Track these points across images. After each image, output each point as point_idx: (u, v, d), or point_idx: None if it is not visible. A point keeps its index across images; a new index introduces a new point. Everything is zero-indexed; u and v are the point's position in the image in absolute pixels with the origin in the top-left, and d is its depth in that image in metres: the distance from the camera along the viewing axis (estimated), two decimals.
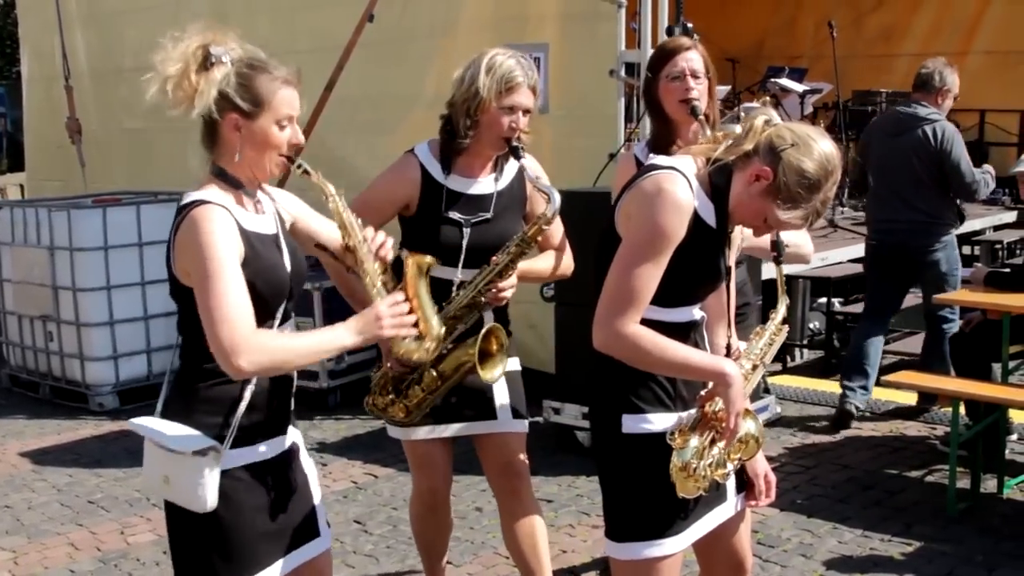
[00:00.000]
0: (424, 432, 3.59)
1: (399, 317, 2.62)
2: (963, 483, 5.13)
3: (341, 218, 2.70)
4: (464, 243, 3.42)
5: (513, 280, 3.43)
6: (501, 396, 3.61)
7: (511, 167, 3.54)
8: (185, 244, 2.51)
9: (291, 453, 2.79)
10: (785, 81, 9.85)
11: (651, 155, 3.35)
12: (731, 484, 2.87)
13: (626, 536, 2.75)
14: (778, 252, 2.90)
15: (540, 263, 3.64)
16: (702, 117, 3.53)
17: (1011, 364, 5.61)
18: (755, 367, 2.88)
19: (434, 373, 3.38)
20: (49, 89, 10.54)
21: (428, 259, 2.87)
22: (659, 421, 2.69)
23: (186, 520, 2.61)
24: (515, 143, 3.39)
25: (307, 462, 2.85)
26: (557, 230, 3.62)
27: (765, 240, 2.88)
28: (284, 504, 2.72)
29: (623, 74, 6.24)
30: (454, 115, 3.43)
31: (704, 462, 2.65)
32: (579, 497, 5.30)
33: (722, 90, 7.42)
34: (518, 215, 3.58)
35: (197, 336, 2.51)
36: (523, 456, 3.69)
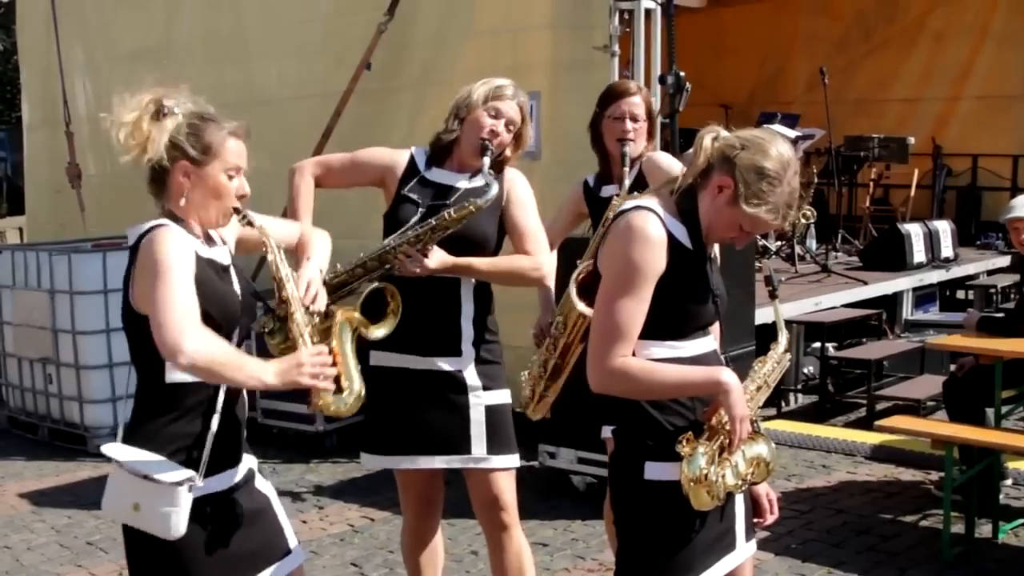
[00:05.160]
0: (404, 463, 3.66)
1: (320, 368, 2.66)
2: (958, 528, 5.15)
3: (278, 272, 2.80)
4: (414, 220, 3.51)
5: (431, 263, 3.44)
6: (478, 430, 3.61)
7: (482, 177, 3.61)
8: (143, 262, 2.60)
9: (245, 481, 2.86)
10: (778, 127, 9.93)
11: (598, 182, 4.01)
12: (740, 532, 2.90)
13: None
14: (772, 287, 2.99)
15: (500, 259, 3.66)
16: (628, 160, 3.94)
17: (1005, 409, 5.63)
18: (759, 388, 2.92)
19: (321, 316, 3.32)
20: (49, 134, 10.62)
21: (357, 316, 2.94)
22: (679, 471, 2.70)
23: (148, 548, 2.67)
24: (487, 143, 3.53)
25: (263, 485, 2.92)
26: (526, 231, 3.65)
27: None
28: (243, 530, 2.79)
29: None
30: (448, 117, 3.66)
31: (717, 469, 2.67)
32: (575, 541, 5.31)
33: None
34: (485, 217, 3.58)
35: (153, 367, 2.64)
36: (509, 490, 3.68)
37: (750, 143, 2.67)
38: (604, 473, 5.40)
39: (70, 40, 10.18)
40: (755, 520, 3.00)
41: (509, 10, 7.12)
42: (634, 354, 2.69)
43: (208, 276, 2.67)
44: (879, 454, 6.58)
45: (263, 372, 2.59)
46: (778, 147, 2.67)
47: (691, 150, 2.88)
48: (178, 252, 2.58)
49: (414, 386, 3.59)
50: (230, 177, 2.71)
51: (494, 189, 3.48)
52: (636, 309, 2.64)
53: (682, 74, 5.79)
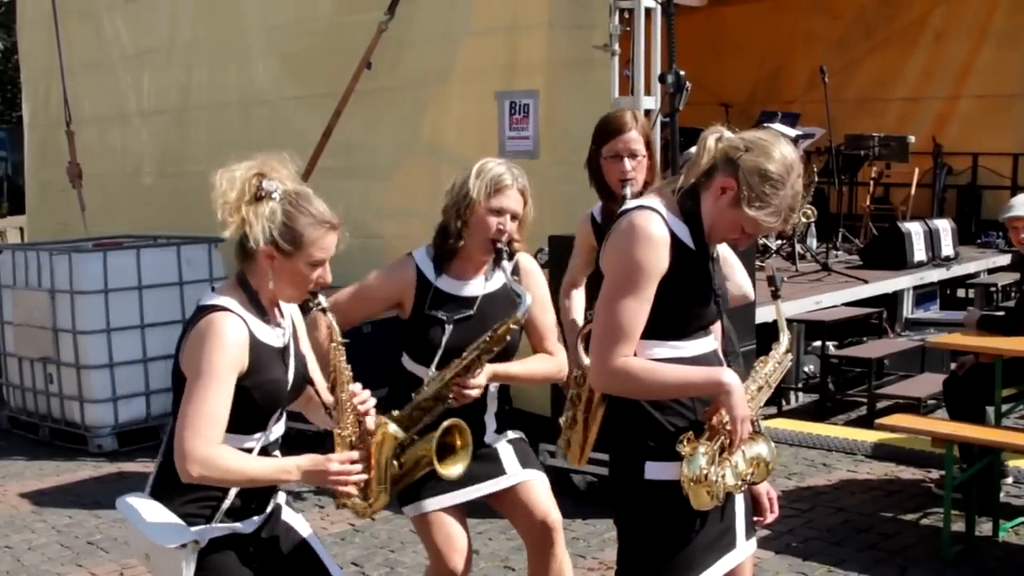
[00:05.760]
0: (443, 501, 3.49)
1: (346, 476, 2.78)
2: (958, 526, 5.15)
3: (338, 364, 2.85)
4: (444, 340, 3.43)
5: (481, 380, 3.40)
6: (507, 454, 3.58)
7: (499, 276, 3.53)
8: (194, 343, 2.66)
9: (270, 518, 2.93)
10: (778, 126, 9.93)
11: (604, 216, 3.71)
12: (740, 531, 2.90)
13: None
14: (775, 287, 3.01)
15: (531, 364, 3.61)
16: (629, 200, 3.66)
17: (1005, 407, 5.63)
18: (760, 388, 2.92)
19: (396, 464, 3.31)
20: (50, 134, 10.64)
21: (401, 434, 2.97)
22: (679, 471, 2.70)
23: None
24: (500, 246, 3.41)
25: (290, 516, 2.99)
26: (545, 330, 3.61)
27: (733, 283, 2.97)
28: (273, 566, 2.87)
29: None
30: (446, 220, 3.48)
31: (717, 469, 2.68)
32: (575, 540, 5.31)
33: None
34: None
35: None
36: (555, 506, 3.61)
37: (754, 145, 2.66)
38: (605, 472, 5.40)
39: (71, 39, 10.19)
40: (755, 519, 3.00)
41: (508, 9, 7.12)
42: (635, 354, 2.69)
43: (260, 363, 2.73)
44: (880, 452, 6.59)
45: (287, 473, 2.75)
46: (782, 150, 2.67)
47: (692, 149, 2.88)
48: (226, 353, 2.65)
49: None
50: (313, 267, 2.76)
51: (527, 300, 3.37)
52: (638, 309, 2.64)
53: (682, 73, 5.78)
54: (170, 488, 2.74)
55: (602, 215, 4.06)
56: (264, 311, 2.78)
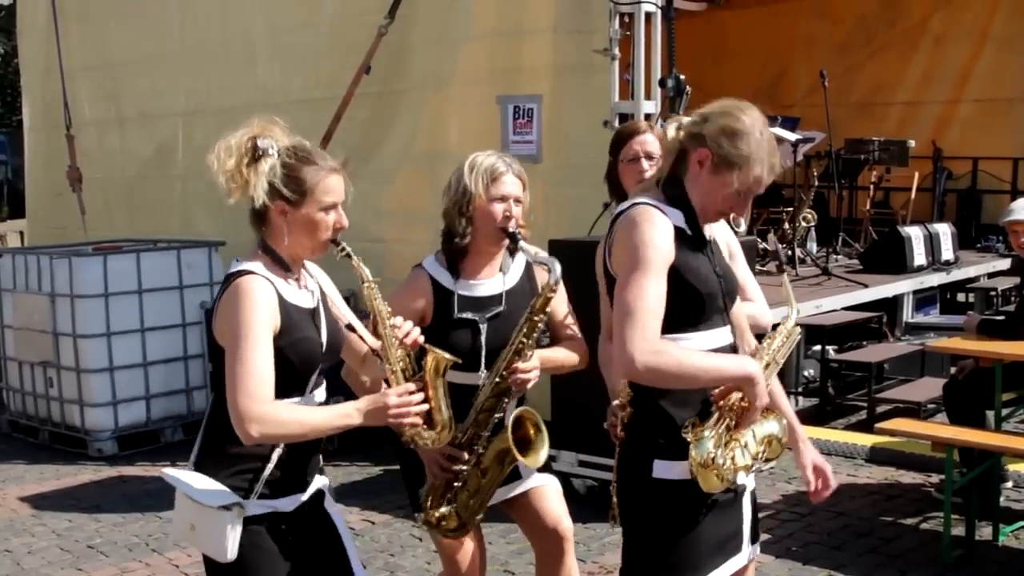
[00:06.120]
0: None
1: (407, 407, 2.75)
2: (958, 531, 5.15)
3: (373, 304, 2.84)
4: (483, 340, 3.43)
5: (535, 363, 3.39)
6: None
7: (517, 266, 3.55)
8: (225, 309, 2.69)
9: (312, 502, 2.91)
10: (778, 130, 9.93)
11: None
12: (746, 535, 2.91)
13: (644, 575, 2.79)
14: (780, 261, 3.00)
15: (558, 352, 3.60)
16: None
17: (1005, 411, 5.63)
18: (768, 365, 2.90)
19: (477, 471, 3.34)
20: (50, 137, 10.64)
21: (448, 357, 2.92)
22: (687, 470, 2.69)
23: (219, 568, 2.76)
24: (512, 230, 3.40)
25: (332, 507, 2.98)
26: (564, 313, 3.59)
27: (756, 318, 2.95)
28: (308, 552, 2.85)
29: (617, 124, 6.33)
30: (449, 221, 3.47)
31: (725, 452, 2.68)
32: (575, 544, 5.30)
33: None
34: (527, 300, 3.49)
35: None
36: (566, 514, 3.59)
37: (711, 114, 2.73)
38: (605, 476, 5.40)
39: (71, 43, 10.19)
40: (812, 494, 3.03)
41: (509, 14, 7.14)
42: None
43: (292, 323, 2.74)
44: (879, 457, 6.59)
45: (349, 417, 2.72)
46: (738, 107, 2.73)
47: None
48: (259, 313, 2.66)
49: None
50: (327, 212, 2.77)
51: (557, 265, 3.34)
52: (655, 289, 2.61)
53: (682, 77, 5.81)
54: (213, 460, 2.76)
55: None
56: (289, 271, 2.80)
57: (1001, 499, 5.50)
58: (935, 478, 6.07)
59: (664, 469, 2.73)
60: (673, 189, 2.78)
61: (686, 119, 2.80)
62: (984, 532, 5.27)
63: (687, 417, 2.71)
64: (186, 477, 2.76)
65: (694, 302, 2.73)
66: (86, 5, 10.20)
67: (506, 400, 3.38)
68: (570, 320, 3.62)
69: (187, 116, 9.31)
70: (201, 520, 2.72)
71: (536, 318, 3.33)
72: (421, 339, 2.89)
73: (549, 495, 3.58)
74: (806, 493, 3.13)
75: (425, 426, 2.85)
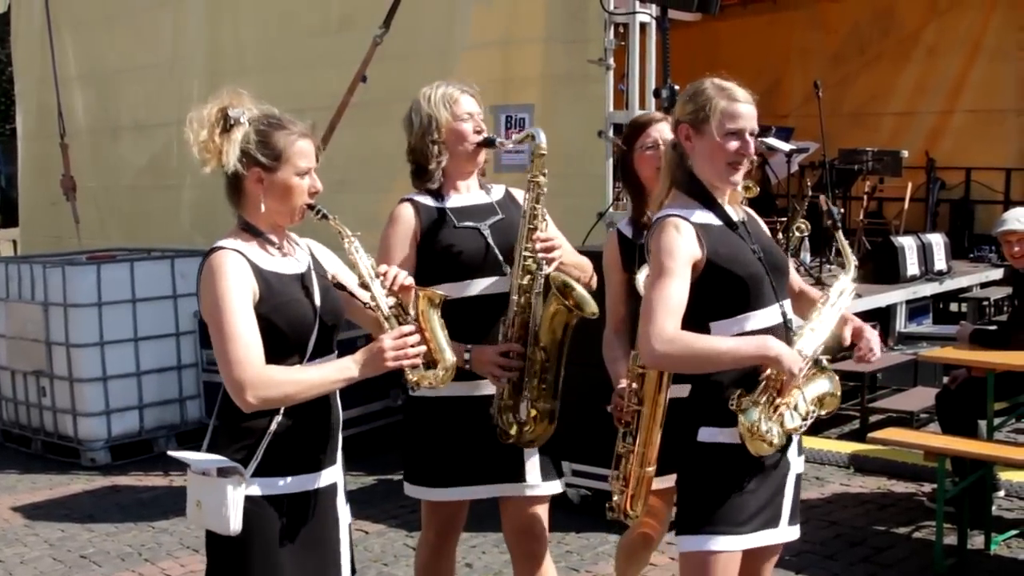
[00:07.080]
0: (452, 494, 3.52)
1: (403, 349, 2.75)
2: (950, 540, 5.17)
3: (355, 260, 2.85)
4: (492, 242, 3.45)
5: (554, 230, 3.43)
6: (532, 457, 3.50)
7: (497, 189, 3.64)
8: (202, 289, 2.73)
9: (322, 493, 2.87)
10: (772, 140, 9.97)
11: (635, 229, 3.68)
12: (786, 513, 3.03)
13: (690, 528, 2.96)
14: (833, 220, 3.44)
15: (572, 255, 3.60)
16: None
17: (997, 421, 5.64)
18: (832, 304, 3.19)
19: (539, 353, 3.33)
20: (44, 146, 10.63)
21: (439, 293, 2.93)
22: (731, 436, 2.90)
23: (217, 546, 2.77)
24: (487, 136, 3.52)
25: (343, 509, 2.95)
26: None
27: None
28: (304, 539, 2.82)
29: (611, 134, 6.35)
30: (418, 155, 3.52)
31: (769, 422, 2.86)
32: (569, 553, 5.31)
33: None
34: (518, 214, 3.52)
35: None
36: (544, 519, 3.59)
37: (675, 101, 3.01)
38: (599, 486, 5.40)
39: (65, 52, 10.19)
40: (858, 350, 3.32)
41: (504, 23, 7.14)
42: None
43: (271, 290, 2.75)
44: (872, 466, 6.60)
45: (346, 371, 2.72)
46: (691, 85, 3.00)
47: None
48: (232, 284, 2.67)
49: (466, 415, 3.46)
50: (301, 176, 2.82)
51: (540, 131, 3.43)
52: (677, 285, 2.81)
53: (677, 87, 5.80)
54: (222, 441, 2.78)
55: (631, 227, 3.75)
56: (270, 242, 2.82)
57: (993, 508, 5.51)
58: (927, 487, 6.08)
59: (708, 435, 2.93)
60: (688, 183, 2.98)
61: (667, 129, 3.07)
62: (976, 541, 5.28)
63: (732, 386, 2.89)
64: (191, 454, 2.78)
65: (738, 287, 2.91)
66: (80, 14, 10.20)
67: (539, 280, 3.37)
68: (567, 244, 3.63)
69: (181, 125, 9.25)
70: (204, 493, 2.73)
71: (537, 186, 3.39)
72: (409, 281, 2.88)
73: (534, 501, 3.56)
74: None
75: (425, 367, 2.84)
